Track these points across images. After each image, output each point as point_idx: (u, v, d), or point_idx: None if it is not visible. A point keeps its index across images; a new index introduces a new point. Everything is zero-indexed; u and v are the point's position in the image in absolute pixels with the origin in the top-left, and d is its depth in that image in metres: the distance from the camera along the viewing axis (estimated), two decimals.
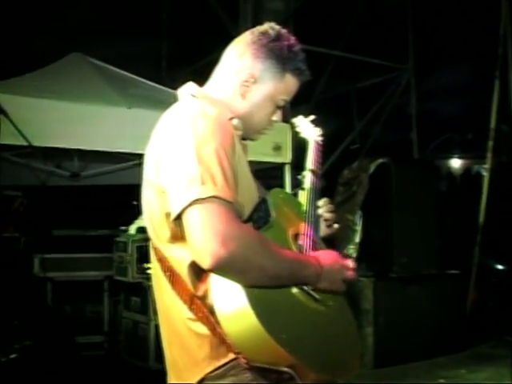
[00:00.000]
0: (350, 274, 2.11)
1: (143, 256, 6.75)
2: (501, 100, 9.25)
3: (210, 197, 1.78)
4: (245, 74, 2.14)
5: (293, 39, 2.20)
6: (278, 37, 2.17)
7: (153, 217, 2.04)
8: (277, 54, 2.14)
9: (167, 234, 1.99)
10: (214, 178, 1.81)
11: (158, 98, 6.42)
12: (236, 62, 2.17)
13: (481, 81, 12.58)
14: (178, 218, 1.84)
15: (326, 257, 2.05)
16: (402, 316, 7.37)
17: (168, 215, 1.92)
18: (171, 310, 2.04)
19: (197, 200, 1.78)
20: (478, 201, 9.27)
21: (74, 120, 5.58)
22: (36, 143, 5.26)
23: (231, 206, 1.81)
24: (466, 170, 15.17)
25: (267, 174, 6.45)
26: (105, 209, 9.44)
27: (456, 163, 16.84)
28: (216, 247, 1.73)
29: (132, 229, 7.42)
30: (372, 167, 7.64)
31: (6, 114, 4.97)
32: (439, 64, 17.59)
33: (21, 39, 12.69)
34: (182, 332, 2.01)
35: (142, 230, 7.02)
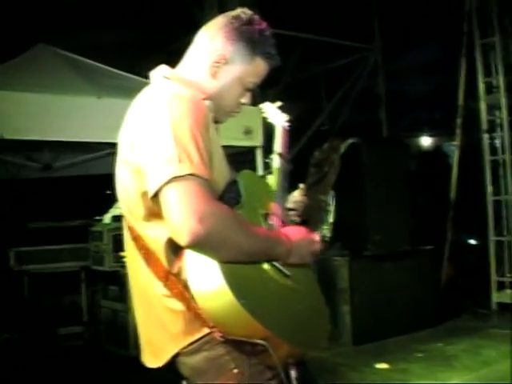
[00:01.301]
0: (317, 246, 2.19)
1: (119, 244, 6.74)
2: (468, 77, 9.33)
3: (187, 174, 1.83)
4: (216, 55, 2.20)
5: (264, 24, 2.26)
6: (250, 21, 2.23)
7: (128, 196, 2.09)
8: (248, 37, 2.20)
9: (142, 212, 2.04)
10: (190, 157, 1.86)
11: (128, 87, 6.40)
12: (208, 44, 2.22)
13: (447, 59, 12.66)
14: (156, 195, 1.89)
15: (295, 233, 2.14)
16: (378, 293, 7.42)
17: (144, 194, 1.98)
18: (147, 288, 2.10)
19: (174, 178, 1.83)
20: (448, 177, 9.38)
21: (44, 112, 5.55)
22: (7, 136, 5.25)
23: (207, 184, 1.88)
24: (436, 148, 15.30)
25: (239, 159, 6.49)
26: (78, 199, 9.43)
27: (425, 141, 16.99)
28: (194, 224, 1.79)
29: (107, 218, 7.42)
30: (343, 147, 7.67)
31: None
32: (406, 43, 17.62)
33: None
34: (157, 309, 2.07)
35: (116, 218, 7.04)
